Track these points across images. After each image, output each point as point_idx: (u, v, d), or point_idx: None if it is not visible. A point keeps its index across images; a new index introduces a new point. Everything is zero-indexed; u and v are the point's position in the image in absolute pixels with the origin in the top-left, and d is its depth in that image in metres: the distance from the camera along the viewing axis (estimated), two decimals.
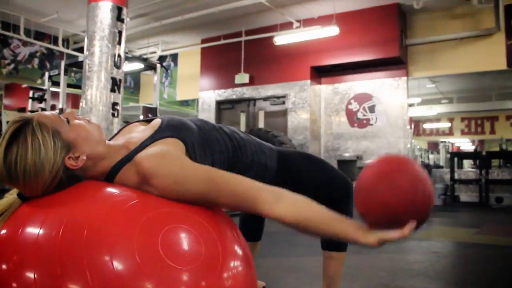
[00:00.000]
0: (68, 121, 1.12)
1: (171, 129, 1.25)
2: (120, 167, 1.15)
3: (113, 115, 4.80)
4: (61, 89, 7.05)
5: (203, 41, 9.96)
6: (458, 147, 17.42)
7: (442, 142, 16.32)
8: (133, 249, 0.92)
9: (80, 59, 6.90)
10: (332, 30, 7.35)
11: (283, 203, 1.09)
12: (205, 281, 0.98)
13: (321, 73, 8.70)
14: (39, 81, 9.10)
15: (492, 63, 7.37)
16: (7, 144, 1.03)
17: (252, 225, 2.04)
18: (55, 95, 7.69)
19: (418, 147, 14.56)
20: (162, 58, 10.94)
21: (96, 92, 4.69)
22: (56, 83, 7.36)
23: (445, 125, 15.13)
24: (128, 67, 7.43)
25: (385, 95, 7.98)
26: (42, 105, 7.46)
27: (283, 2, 7.41)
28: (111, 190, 1.09)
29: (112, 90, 4.77)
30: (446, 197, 7.09)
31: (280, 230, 4.04)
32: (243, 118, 9.53)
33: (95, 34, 4.65)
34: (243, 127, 9.33)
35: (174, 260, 0.95)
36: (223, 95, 9.72)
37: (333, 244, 1.77)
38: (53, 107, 7.77)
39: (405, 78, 7.85)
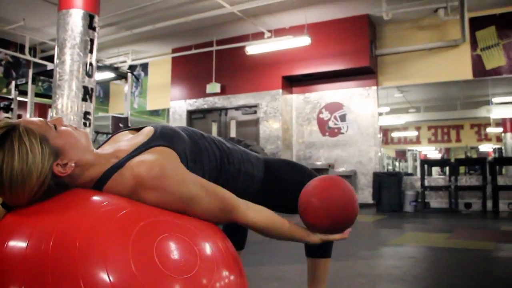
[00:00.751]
0: (55, 127, 1.08)
1: (165, 138, 1.23)
2: (110, 175, 1.12)
3: (85, 124, 4.72)
4: (29, 99, 6.90)
5: (174, 51, 9.92)
6: (425, 155, 17.80)
7: (409, 150, 16.66)
8: (128, 259, 0.89)
9: (49, 67, 6.76)
10: (304, 40, 7.43)
11: (252, 211, 1.24)
12: None
13: (293, 83, 8.78)
14: (4, 90, 8.85)
15: (458, 73, 7.61)
16: None
17: (236, 234, 2.02)
18: (21, 104, 7.50)
19: (386, 155, 14.82)
20: (132, 68, 10.82)
21: (68, 101, 4.61)
22: (23, 92, 7.18)
23: (412, 133, 15.45)
24: (98, 76, 7.30)
25: (356, 104, 8.11)
26: (9, 114, 7.26)
27: (254, 12, 7.45)
28: (101, 198, 1.06)
29: (84, 99, 4.69)
30: (417, 203, 7.22)
31: (258, 239, 4.02)
32: (214, 127, 9.51)
33: (66, 42, 4.58)
34: None
35: (170, 270, 0.93)
36: (194, 105, 9.68)
37: (318, 251, 1.77)
38: (19, 117, 7.57)
39: (375, 87, 8.01)
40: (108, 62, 10.28)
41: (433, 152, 17.34)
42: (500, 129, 12.00)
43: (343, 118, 8.20)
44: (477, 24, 7.49)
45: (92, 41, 4.70)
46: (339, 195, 1.29)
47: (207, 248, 1.05)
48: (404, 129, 15.27)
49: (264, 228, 1.25)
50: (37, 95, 7.30)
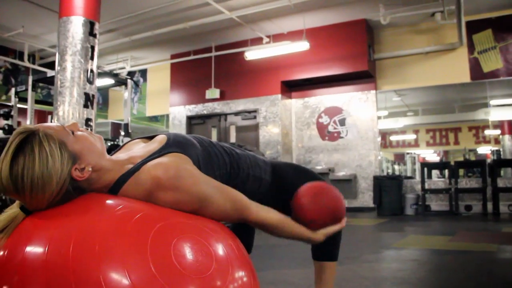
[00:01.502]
0: (72, 133, 1.10)
1: (178, 145, 1.26)
2: (126, 180, 1.14)
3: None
4: (29, 105, 6.89)
5: (173, 57, 9.95)
6: (424, 158, 17.84)
7: (408, 153, 16.68)
8: (148, 260, 0.91)
9: (49, 74, 6.76)
10: (303, 45, 7.47)
11: (262, 210, 1.29)
12: None
13: (292, 88, 8.81)
14: (3, 97, 8.86)
15: (456, 76, 7.65)
16: (13, 156, 0.99)
17: (243, 239, 2.03)
18: (21, 111, 7.50)
19: (385, 159, 14.85)
20: (131, 74, 10.85)
21: (69, 108, 4.61)
22: (22, 99, 7.18)
23: (410, 137, 15.49)
24: (98, 82, 7.31)
25: (355, 108, 8.14)
26: (9, 121, 7.25)
27: (253, 18, 7.49)
28: (117, 202, 1.07)
29: (85, 106, 4.70)
30: (417, 206, 7.23)
31: (262, 244, 4.03)
32: (214, 133, 9.52)
33: (67, 49, 4.59)
34: None
35: (187, 270, 0.94)
36: (194, 110, 9.70)
37: (325, 254, 1.79)
38: (19, 124, 7.57)
39: (374, 91, 8.05)
40: (107, 68, 10.31)
41: (431, 155, 17.37)
42: (498, 131, 12.04)
43: (342, 122, 8.23)
44: (473, 27, 7.54)
45: (93, 48, 4.72)
46: (325, 187, 1.45)
47: (222, 250, 1.06)
48: (402, 132, 15.31)
49: (274, 226, 1.30)
50: (36, 101, 7.27)
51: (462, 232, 4.97)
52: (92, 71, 4.73)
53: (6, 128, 6.97)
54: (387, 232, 5.26)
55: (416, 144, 15.81)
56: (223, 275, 1.01)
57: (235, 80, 9.07)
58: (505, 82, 7.61)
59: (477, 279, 2.75)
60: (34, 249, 0.93)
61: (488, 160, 9.16)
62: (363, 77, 8.02)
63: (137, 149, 1.28)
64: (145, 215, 1.03)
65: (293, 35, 8.03)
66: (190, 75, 9.73)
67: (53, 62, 7.15)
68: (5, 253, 0.96)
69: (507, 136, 11.43)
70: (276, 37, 8.23)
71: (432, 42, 7.79)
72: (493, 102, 9.59)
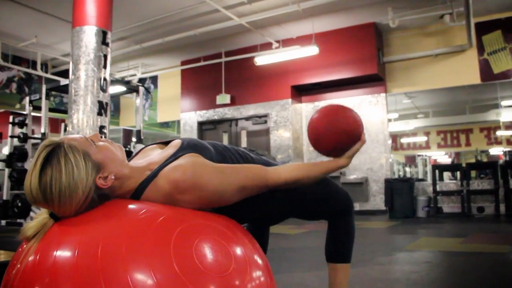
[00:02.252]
0: (94, 143, 1.15)
1: (193, 147, 1.31)
2: (146, 186, 1.19)
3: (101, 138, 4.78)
4: (43, 114, 7.00)
5: (183, 63, 10.03)
6: (435, 160, 17.74)
7: (419, 155, 16.61)
8: (171, 260, 0.96)
9: (61, 83, 6.87)
10: (312, 50, 7.51)
11: (280, 171, 1.34)
12: None
13: (302, 92, 8.85)
14: (17, 106, 9.00)
15: (466, 77, 7.64)
16: (41, 168, 1.06)
17: (258, 240, 2.06)
18: (35, 119, 7.61)
19: (396, 161, 14.80)
20: (142, 81, 10.96)
21: (83, 116, 4.66)
22: (36, 108, 7.30)
23: (421, 139, 15.46)
24: (110, 90, 7.41)
25: (365, 112, 8.15)
26: (23, 130, 7.37)
27: (262, 23, 7.55)
28: (140, 206, 1.13)
29: (99, 114, 4.75)
30: (429, 209, 7.22)
31: (278, 247, 4.06)
32: (225, 138, 9.58)
33: (80, 58, 4.65)
34: None
35: (208, 269, 0.99)
36: (205, 116, 9.77)
37: (338, 256, 1.81)
38: (33, 132, 7.69)
39: (384, 94, 8.06)
40: (118, 75, 10.43)
41: (443, 157, 17.27)
42: (510, 132, 11.96)
43: None
44: (483, 28, 7.53)
45: (105, 56, 4.75)
46: (334, 112, 1.45)
47: (240, 250, 1.12)
48: (413, 134, 15.28)
49: (299, 178, 1.35)
50: (49, 109, 7.38)
51: (474, 234, 4.96)
52: (105, 79, 4.78)
53: (21, 136, 7.10)
54: (399, 235, 5.27)
55: (427, 146, 15.76)
56: (241, 274, 1.05)
57: (245, 85, 9.13)
58: None
59: (490, 281, 2.76)
60: (64, 253, 0.98)
61: (500, 161, 9.10)
62: (372, 80, 8.04)
63: (154, 155, 1.33)
64: (167, 217, 1.08)
65: (303, 40, 8.08)
66: (201, 81, 9.82)
67: (65, 71, 7.25)
68: (37, 256, 1.01)
69: None
70: (286, 42, 8.28)
71: (442, 44, 7.79)
72: (504, 103, 9.53)
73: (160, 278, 0.93)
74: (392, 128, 11.18)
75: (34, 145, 7.49)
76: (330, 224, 1.77)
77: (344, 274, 1.81)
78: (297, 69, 8.38)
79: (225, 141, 9.54)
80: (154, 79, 11.11)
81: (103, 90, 4.80)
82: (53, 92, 7.96)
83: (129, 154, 2.26)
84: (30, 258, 1.02)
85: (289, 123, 8.55)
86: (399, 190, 7.13)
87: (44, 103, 6.96)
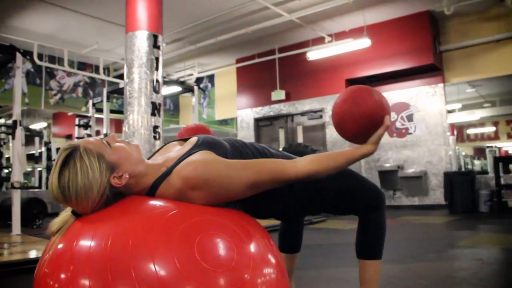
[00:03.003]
0: (109, 145, 1.24)
1: (207, 145, 1.36)
2: (161, 182, 1.26)
3: (154, 138, 4.96)
4: (105, 115, 7.37)
5: (238, 61, 10.17)
6: (506, 151, 16.84)
7: (488, 147, 15.83)
8: (173, 256, 1.02)
9: (121, 85, 7.20)
10: (364, 42, 7.38)
11: (301, 163, 1.31)
12: (238, 284, 1.06)
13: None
14: (83, 109, 9.52)
15: None
16: (60, 170, 1.16)
17: (291, 237, 2.09)
18: (99, 121, 8.03)
19: (463, 153, 14.20)
20: (199, 80, 11.22)
21: (138, 117, 4.88)
22: (99, 110, 7.69)
23: (489, 129, 14.70)
24: (167, 90, 7.69)
25: (423, 103, 7.90)
26: (88, 131, 7.80)
27: (313, 18, 7.51)
28: (152, 203, 1.20)
29: (153, 114, 4.95)
30: (492, 203, 6.88)
31: (329, 242, 4.06)
32: (281, 134, 9.63)
33: (133, 62, 4.87)
34: (282, 142, 9.43)
35: (209, 264, 1.04)
36: (261, 113, 9.86)
37: (367, 252, 1.79)
38: (97, 133, 8.11)
39: (441, 84, 7.77)
40: (175, 76, 10.75)
41: None
42: None
43: (410, 118, 8.02)
44: None
45: (157, 59, 4.95)
46: (354, 96, 1.38)
47: (246, 246, 1.15)
48: (480, 125, 14.57)
49: (319, 170, 1.31)
50: (112, 111, 7.77)
51: None
52: (157, 81, 4.98)
53: (85, 137, 7.50)
54: (456, 231, 5.09)
55: (496, 136, 14.98)
56: (244, 269, 1.09)
57: (299, 80, 9.13)
58: None
59: None
60: (82, 245, 1.08)
61: None
62: (429, 70, 7.78)
63: (172, 152, 1.40)
64: (175, 214, 1.14)
65: (355, 32, 7.96)
66: (256, 78, 9.92)
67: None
68: (61, 247, 1.12)
69: None
70: (338, 35, 8.19)
71: (503, 29, 7.37)
72: None
73: (161, 272, 0.99)
74: (455, 119, 10.79)
75: None
76: (360, 219, 1.76)
77: (373, 271, 1.79)
78: (351, 62, 8.26)
79: (282, 137, 9.58)
80: (211, 78, 11.34)
81: (156, 91, 4.99)
82: (116, 94, 8.35)
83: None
84: (55, 250, 1.13)
85: None
86: (459, 183, 6.86)
87: (105, 105, 7.32)
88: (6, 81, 8.45)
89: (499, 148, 16.17)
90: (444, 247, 3.86)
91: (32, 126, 11.79)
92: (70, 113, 9.29)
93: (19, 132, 5.05)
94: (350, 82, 8.55)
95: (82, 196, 1.16)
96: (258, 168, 1.27)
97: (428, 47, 7.49)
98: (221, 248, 1.09)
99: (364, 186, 1.75)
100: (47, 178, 9.07)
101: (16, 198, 4.96)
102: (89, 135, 7.56)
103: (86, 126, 7.94)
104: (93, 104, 7.77)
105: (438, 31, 7.92)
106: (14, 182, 4.96)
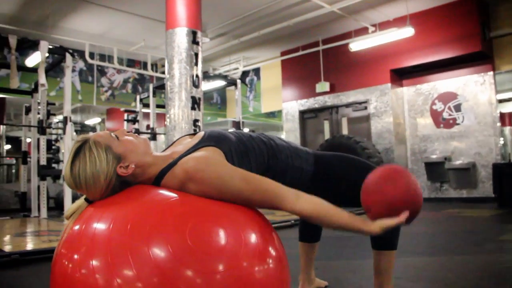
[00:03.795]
0: (117, 138, 1.34)
1: (212, 139, 1.44)
2: (166, 172, 1.35)
3: (194, 131, 5.12)
4: (151, 110, 7.63)
5: (283, 54, 10.20)
6: None
7: None
8: (166, 239, 1.10)
9: (165, 81, 7.42)
10: (407, 32, 7.22)
11: (302, 200, 1.30)
12: (235, 270, 1.13)
13: (402, 75, 8.54)
14: (132, 104, 9.87)
15: None
16: (72, 160, 1.29)
17: (310, 226, 2.13)
18: (146, 115, 8.31)
19: None
20: (245, 73, 11.34)
21: (178, 111, 5.05)
22: (146, 105, 7.97)
23: None
24: (211, 84, 7.84)
25: (471, 93, 7.65)
26: (136, 125, 8.10)
27: (355, 8, 7.43)
28: (155, 191, 1.30)
29: (193, 108, 5.10)
30: None
31: (346, 235, 4.05)
32: (326, 126, 9.59)
33: (173, 58, 5.04)
34: (327, 134, 9.39)
35: (215, 249, 1.12)
36: (306, 105, 9.86)
37: (381, 242, 1.80)
38: (148, 128, 8.40)
39: (491, 73, 7.48)
40: (221, 70, 10.92)
41: None
42: None
43: (457, 108, 7.78)
44: None
45: (196, 55, 5.09)
46: (393, 173, 1.33)
47: (251, 236, 1.21)
48: None
49: (314, 217, 1.29)
50: (158, 106, 8.03)
51: None
52: (197, 76, 5.12)
53: (133, 131, 7.80)
54: (501, 224, 4.93)
55: None
56: (249, 258, 1.16)
57: (343, 72, 9.05)
58: None
59: None
60: (90, 228, 1.19)
61: None
62: (478, 58, 7.50)
63: (180, 146, 1.49)
64: (173, 200, 1.24)
65: (399, 22, 7.80)
66: (300, 70, 9.92)
67: None
68: (74, 230, 1.23)
69: None
70: (382, 25, 8.05)
71: None
72: None
73: (174, 251, 1.08)
74: (510, 109, 10.31)
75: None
76: None
77: (387, 261, 1.81)
78: (396, 52, 8.10)
79: (326, 129, 9.54)
80: (256, 71, 11.43)
81: (196, 86, 5.14)
82: (162, 90, 8.60)
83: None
84: (69, 232, 1.25)
85: (389, 109, 8.31)
86: (509, 175, 6.60)
87: (151, 100, 7.57)
88: (61, 80, 8.89)
89: None
90: (484, 241, 3.76)
91: (87, 122, 12.36)
92: (122, 109, 9.66)
93: (70, 128, 5.34)
94: (395, 72, 8.39)
95: (90, 184, 1.27)
96: (254, 185, 1.29)
97: (476, 34, 7.22)
98: (217, 235, 1.15)
99: None
100: None
101: (68, 190, 5.26)
102: (137, 130, 7.86)
103: (134, 120, 8.24)
104: (141, 100, 8.06)
105: (488, 17, 7.61)
106: None
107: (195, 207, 1.23)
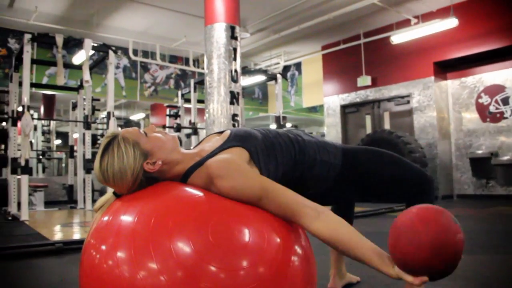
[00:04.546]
0: (146, 134, 1.39)
1: (238, 139, 1.46)
2: (193, 171, 1.39)
3: (233, 125, 5.16)
4: (192, 105, 7.75)
5: (323, 48, 10.12)
6: None
7: None
8: (187, 235, 1.13)
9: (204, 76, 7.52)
10: (450, 23, 7.00)
11: (321, 221, 1.23)
12: (265, 269, 1.15)
13: (446, 68, 8.29)
14: (175, 99, 10.06)
15: None
16: (101, 155, 1.34)
17: (343, 214, 2.10)
18: (188, 110, 8.44)
19: None
20: (286, 68, 11.33)
21: (217, 106, 5.10)
22: (188, 100, 8.09)
23: None
24: (253, 79, 7.87)
25: None
26: (177, 120, 8.24)
27: (397, 0, 7.27)
28: (181, 188, 1.33)
29: (231, 103, 5.15)
30: None
31: (381, 230, 3.98)
32: (368, 120, 9.46)
33: (212, 53, 5.09)
34: (368, 129, 9.26)
35: (239, 247, 1.14)
36: (347, 99, 9.75)
37: None
38: (190, 123, 8.51)
39: None
40: (263, 65, 10.94)
41: None
42: None
43: (505, 101, 7.49)
44: None
45: (235, 50, 5.12)
46: (429, 222, 1.08)
47: (274, 234, 1.23)
48: None
49: (330, 243, 1.23)
50: (200, 101, 8.13)
51: None
52: (235, 71, 5.16)
53: (174, 126, 7.95)
54: None
55: None
56: (270, 256, 1.17)
57: (385, 65, 8.89)
58: None
59: None
60: (116, 221, 1.23)
61: None
62: None
63: (208, 144, 1.52)
64: (198, 197, 1.27)
65: (442, 13, 7.57)
66: (341, 64, 9.81)
67: None
68: (101, 222, 1.29)
69: None
70: (425, 17, 7.84)
71: None
72: None
73: (175, 247, 1.11)
74: None
75: (188, 135, 8.33)
76: (406, 206, 1.72)
77: None
78: (439, 44, 7.87)
79: (368, 124, 9.40)
80: (298, 66, 11.40)
81: (234, 81, 5.18)
82: (202, 85, 8.71)
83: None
84: (97, 224, 1.30)
85: (433, 102, 8.10)
86: None
87: (192, 96, 7.69)
88: (106, 76, 9.15)
89: None
90: None
91: (132, 117, 12.68)
92: (166, 104, 9.87)
93: (112, 123, 5.51)
94: (439, 65, 8.15)
95: (118, 179, 1.32)
96: (272, 197, 1.28)
97: None
98: (249, 234, 1.18)
99: (409, 171, 1.72)
100: None
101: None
102: (178, 124, 8.00)
103: (176, 115, 8.39)
104: (182, 95, 8.20)
105: None
106: None
107: (218, 205, 1.25)
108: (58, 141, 12.71)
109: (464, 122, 8.07)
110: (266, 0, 7.49)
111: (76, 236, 3.87)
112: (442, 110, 8.21)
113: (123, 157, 1.32)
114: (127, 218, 1.21)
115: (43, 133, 11.20)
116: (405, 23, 8.02)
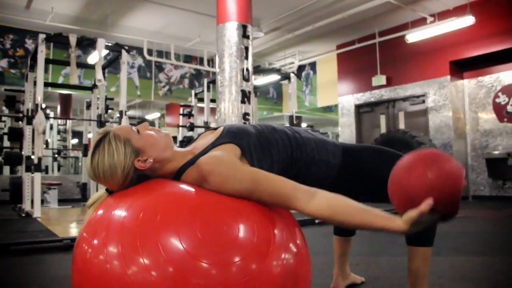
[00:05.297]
0: (138, 132, 1.38)
1: (230, 135, 1.44)
2: (186, 169, 1.38)
3: (244, 124, 5.14)
4: (205, 104, 7.77)
5: (338, 47, 10.06)
6: None
7: None
8: (175, 229, 1.12)
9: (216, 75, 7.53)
10: (467, 21, 6.89)
11: (317, 199, 1.22)
12: (255, 265, 1.13)
13: (462, 67, 8.16)
14: (189, 99, 10.08)
15: None
16: (93, 151, 1.34)
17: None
18: (201, 110, 8.46)
19: None
20: (301, 68, 11.29)
21: (228, 105, 5.09)
22: (201, 99, 8.11)
23: None
24: (267, 79, 7.86)
25: None
26: (191, 120, 8.26)
27: None
28: (173, 184, 1.33)
29: (243, 102, 5.14)
30: None
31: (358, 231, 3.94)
32: (383, 120, 9.37)
33: (224, 52, 5.09)
34: (383, 129, 9.17)
35: (228, 242, 1.13)
36: (362, 99, 9.67)
37: (416, 239, 1.72)
38: (205, 123, 8.52)
39: None
40: (277, 65, 10.91)
41: None
42: None
43: None
44: None
45: (246, 48, 5.11)
46: (418, 157, 1.15)
47: (264, 230, 1.21)
48: None
49: (327, 217, 1.20)
50: (213, 100, 8.13)
51: None
52: (247, 70, 5.14)
53: (187, 125, 7.97)
54: None
55: None
56: (262, 253, 1.16)
57: (400, 64, 8.79)
58: None
59: None
60: (107, 216, 1.24)
61: None
62: None
63: (201, 141, 1.51)
64: (188, 193, 1.26)
65: (459, 10, 7.46)
66: (356, 64, 9.74)
67: None
68: (93, 218, 1.29)
69: None
70: (441, 15, 7.73)
71: None
72: None
73: (186, 244, 1.10)
74: None
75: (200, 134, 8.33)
76: None
77: (422, 259, 1.72)
78: (455, 42, 7.75)
79: (383, 123, 9.32)
80: (313, 65, 11.35)
81: (246, 80, 5.17)
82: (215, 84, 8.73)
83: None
84: (89, 220, 1.31)
85: (448, 102, 7.99)
86: None
87: (206, 95, 7.71)
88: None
89: None
90: None
91: (147, 117, 12.77)
92: (181, 104, 9.92)
93: (125, 121, 5.54)
94: (455, 64, 8.03)
95: (108, 175, 1.31)
96: (264, 187, 1.26)
97: None
98: (241, 229, 1.17)
99: None
100: None
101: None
102: (191, 123, 8.02)
103: (189, 115, 8.41)
104: (195, 94, 8.22)
105: None
106: None
107: (208, 201, 1.24)
108: (75, 140, 12.86)
109: (481, 122, 7.94)
110: (280, 0, 7.46)
111: None
112: (458, 110, 8.09)
113: (113, 154, 1.31)
114: (116, 214, 1.21)
115: (59, 132, 11.33)
116: (420, 22, 7.93)
